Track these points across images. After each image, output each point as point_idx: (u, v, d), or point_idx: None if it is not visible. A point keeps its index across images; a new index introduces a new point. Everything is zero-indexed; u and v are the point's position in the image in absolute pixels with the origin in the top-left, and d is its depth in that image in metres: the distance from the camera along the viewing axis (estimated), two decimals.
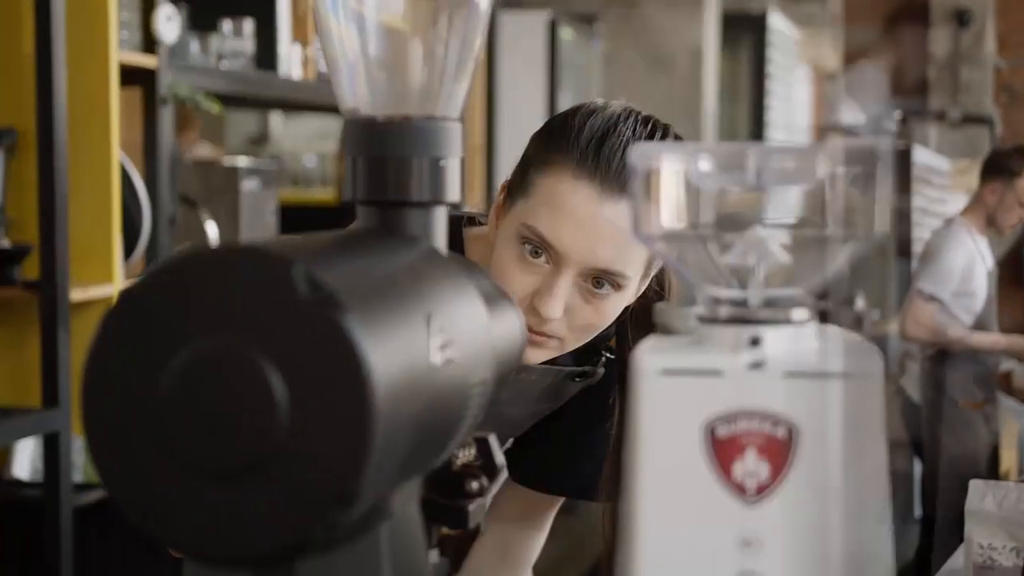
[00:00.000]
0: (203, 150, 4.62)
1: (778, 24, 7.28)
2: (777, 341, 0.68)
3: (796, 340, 0.68)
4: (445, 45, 0.80)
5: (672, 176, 0.70)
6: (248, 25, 3.00)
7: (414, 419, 0.64)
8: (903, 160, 6.54)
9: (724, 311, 0.69)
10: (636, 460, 0.68)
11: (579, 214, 1.22)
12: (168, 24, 2.60)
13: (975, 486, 1.99)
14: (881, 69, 6.08)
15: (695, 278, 0.71)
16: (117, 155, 2.46)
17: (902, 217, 6.70)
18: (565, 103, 5.72)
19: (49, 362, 2.29)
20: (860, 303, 3.73)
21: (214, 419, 0.60)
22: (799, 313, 0.69)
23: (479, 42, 0.82)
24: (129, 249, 2.54)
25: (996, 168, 4.19)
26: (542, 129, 1.30)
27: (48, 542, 2.30)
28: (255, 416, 0.59)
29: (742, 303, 0.70)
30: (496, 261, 1.27)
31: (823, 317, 0.68)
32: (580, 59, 5.18)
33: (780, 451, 0.66)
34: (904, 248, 6.77)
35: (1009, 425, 5.63)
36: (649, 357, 0.68)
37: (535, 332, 1.26)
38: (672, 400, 0.67)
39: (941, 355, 4.22)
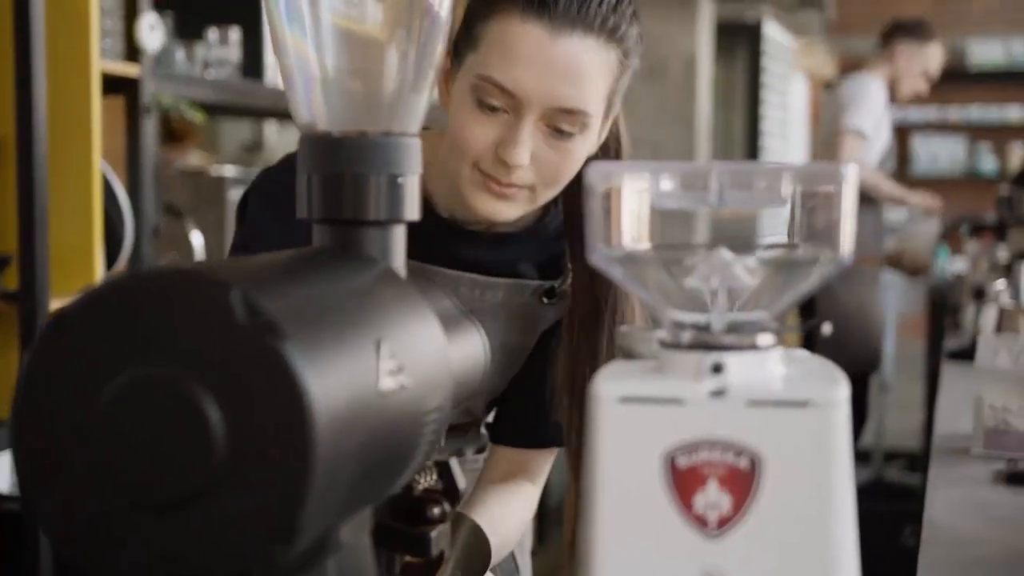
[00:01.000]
0: (194, 158, 4.60)
1: (773, 33, 7.26)
2: (741, 367, 0.65)
3: (761, 366, 0.66)
4: (403, 57, 0.78)
5: (632, 196, 0.67)
6: (234, 33, 2.97)
7: (360, 449, 0.62)
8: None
9: (686, 336, 0.67)
10: (594, 490, 0.65)
11: (532, 54, 1.20)
12: (151, 33, 2.57)
13: (986, 341, 1.85)
14: None
15: (657, 301, 0.68)
16: (99, 164, 2.43)
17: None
18: None
19: None
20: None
21: (148, 450, 0.57)
22: (764, 338, 0.67)
23: (439, 53, 0.80)
24: (112, 260, 2.52)
25: (909, 31, 4.27)
26: None
27: (28, 555, 2.27)
28: (191, 447, 0.57)
29: (705, 328, 0.67)
30: (452, 123, 1.25)
31: (808, 339, 0.65)
32: None
33: (743, 482, 0.64)
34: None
35: None
36: (607, 384, 0.65)
37: (504, 184, 1.24)
38: (631, 429, 0.65)
39: None
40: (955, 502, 1.57)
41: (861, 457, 5.31)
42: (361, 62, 0.77)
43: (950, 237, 8.76)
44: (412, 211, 0.77)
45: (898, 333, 6.28)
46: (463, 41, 1.26)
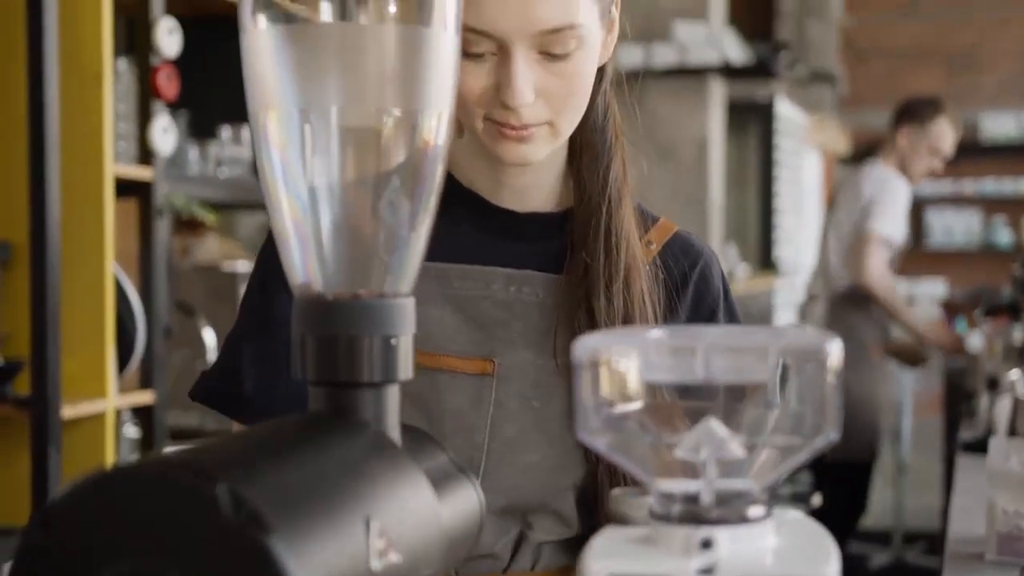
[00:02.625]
0: (211, 245, 4.63)
1: (785, 110, 7.30)
2: (731, 542, 0.65)
3: (751, 540, 0.66)
4: (397, 213, 0.79)
5: (620, 367, 0.67)
6: (246, 132, 3.01)
7: None
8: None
9: (675, 509, 0.67)
10: None
11: None
12: (164, 136, 2.61)
13: (996, 444, 1.84)
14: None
15: (645, 471, 0.68)
16: (111, 269, 2.45)
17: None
18: None
19: (40, 481, 2.26)
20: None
21: None
22: (755, 510, 0.67)
23: (430, 213, 0.80)
24: (123, 362, 2.53)
25: (909, 114, 4.25)
26: None
27: None
28: None
29: (694, 498, 0.67)
30: None
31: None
32: None
33: None
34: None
35: None
36: (598, 561, 0.65)
37: (519, 128, 1.15)
38: None
39: (850, 296, 4.15)
40: None
41: (880, 539, 5.27)
42: (356, 224, 0.78)
43: (967, 312, 8.74)
44: (406, 371, 0.77)
45: (916, 410, 6.25)
46: None
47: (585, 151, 1.27)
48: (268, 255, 1.29)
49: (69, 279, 2.38)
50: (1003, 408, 2.77)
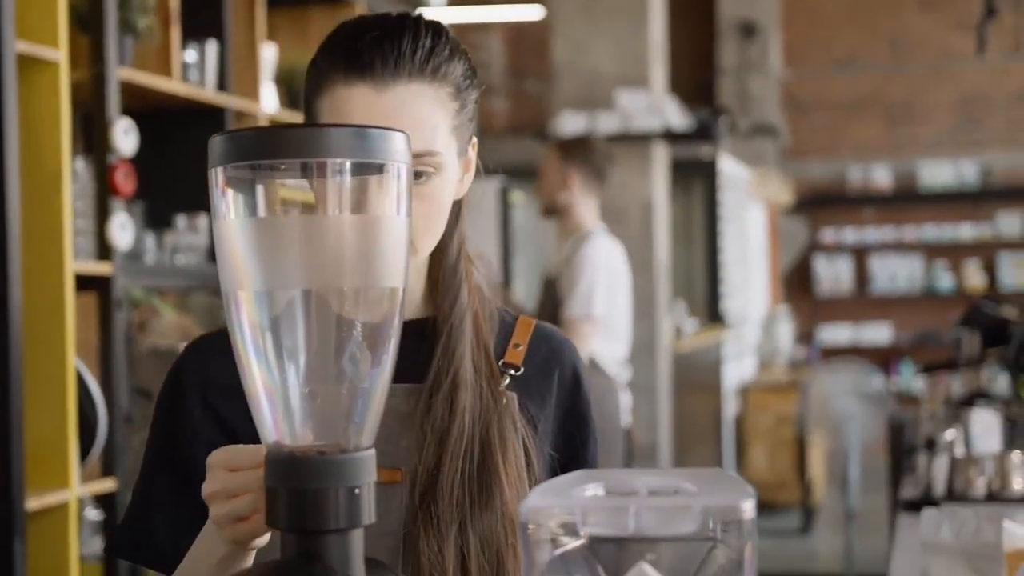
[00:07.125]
0: (167, 320, 4.65)
1: (728, 167, 7.46)
2: None
3: None
4: (356, 375, 0.88)
5: (560, 524, 0.76)
6: (203, 220, 3.08)
7: None
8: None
9: None
10: None
11: (362, 112, 1.19)
12: (122, 232, 2.68)
13: (929, 514, 1.91)
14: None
15: None
16: (73, 363, 2.51)
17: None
18: (519, 266, 5.85)
19: (6, 574, 2.31)
20: None
21: None
22: None
23: (388, 367, 0.89)
24: (85, 451, 2.58)
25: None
26: (308, 66, 1.28)
27: None
28: None
29: None
30: None
31: None
32: (532, 221, 5.31)
33: None
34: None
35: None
36: None
37: None
38: None
39: None
40: None
41: None
42: (320, 388, 0.87)
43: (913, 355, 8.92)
44: (369, 515, 0.86)
45: (864, 452, 6.36)
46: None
47: (438, 286, 1.32)
48: (171, 405, 1.31)
49: (32, 373, 2.44)
50: (940, 468, 2.87)
